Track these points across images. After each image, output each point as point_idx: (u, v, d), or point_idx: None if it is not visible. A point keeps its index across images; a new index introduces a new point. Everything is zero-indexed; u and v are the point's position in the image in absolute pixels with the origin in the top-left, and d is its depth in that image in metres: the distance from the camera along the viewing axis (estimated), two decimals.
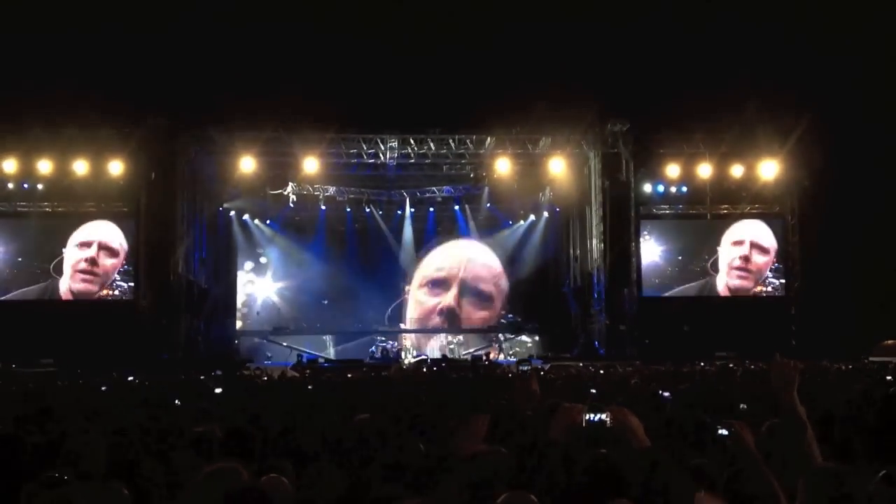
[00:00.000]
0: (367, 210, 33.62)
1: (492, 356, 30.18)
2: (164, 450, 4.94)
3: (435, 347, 32.98)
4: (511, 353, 32.24)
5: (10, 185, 26.90)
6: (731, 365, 19.38)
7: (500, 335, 33.46)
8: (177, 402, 9.07)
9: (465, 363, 25.82)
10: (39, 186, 26.99)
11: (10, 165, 26.29)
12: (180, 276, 27.57)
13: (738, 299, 28.59)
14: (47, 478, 3.88)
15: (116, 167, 26.58)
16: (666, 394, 9.00)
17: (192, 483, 3.39)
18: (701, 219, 28.98)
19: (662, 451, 3.78)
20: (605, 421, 3.48)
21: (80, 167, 26.46)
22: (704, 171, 27.98)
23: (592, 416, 3.52)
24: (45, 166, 26.33)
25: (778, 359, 4.20)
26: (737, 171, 28.18)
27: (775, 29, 26.73)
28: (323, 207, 32.68)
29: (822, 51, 25.81)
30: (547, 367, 21.18)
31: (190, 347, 27.80)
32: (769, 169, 28.06)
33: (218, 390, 11.03)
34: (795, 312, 28.41)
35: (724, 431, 3.68)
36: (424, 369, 21.04)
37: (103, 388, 12.42)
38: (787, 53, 25.74)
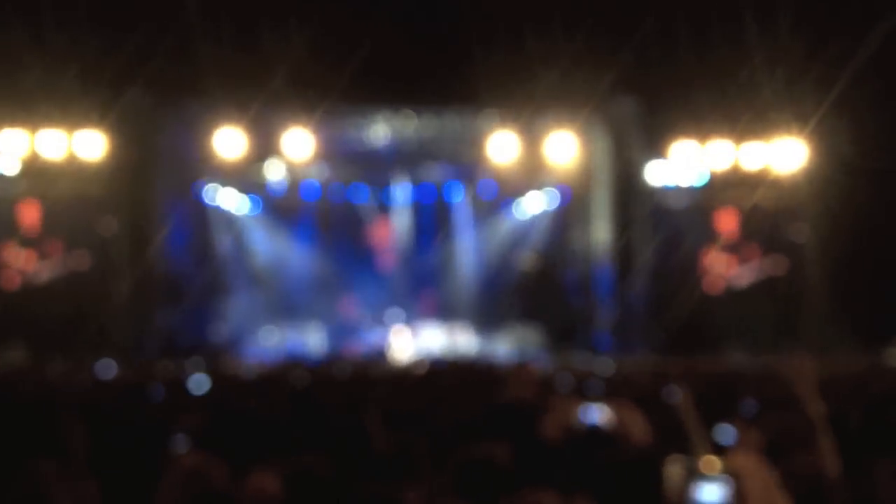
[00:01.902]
0: (359, 192, 33.46)
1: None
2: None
3: (431, 340, 32.96)
4: (508, 347, 32.22)
5: None
6: (742, 360, 19.52)
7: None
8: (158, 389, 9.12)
9: (465, 356, 25.90)
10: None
11: None
12: (160, 262, 27.57)
13: (749, 292, 28.63)
14: (26, 467, 3.93)
15: (93, 145, 26.51)
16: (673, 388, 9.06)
17: (164, 481, 3.42)
18: (714, 205, 28.96)
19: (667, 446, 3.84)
20: (603, 416, 3.51)
21: (54, 146, 26.37)
22: (718, 154, 27.94)
23: (590, 412, 3.54)
24: (18, 143, 26.23)
25: (794, 355, 4.25)
26: (753, 155, 28.13)
27: (795, 5, 26.63)
28: (312, 189, 32.56)
29: (843, 31, 25.72)
30: (548, 359, 21.26)
31: (169, 337, 27.83)
32: (788, 154, 28.01)
33: (196, 381, 11.08)
34: (812, 307, 28.45)
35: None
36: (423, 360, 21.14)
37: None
38: (808, 32, 25.64)
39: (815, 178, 28.54)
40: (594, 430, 3.50)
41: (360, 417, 4.71)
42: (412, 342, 32.11)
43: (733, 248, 29.06)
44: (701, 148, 28.03)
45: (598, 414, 3.41)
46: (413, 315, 34.03)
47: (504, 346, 32.04)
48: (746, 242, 29.06)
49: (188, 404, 7.59)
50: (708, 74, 26.33)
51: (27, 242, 27.33)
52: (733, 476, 1.98)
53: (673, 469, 2.01)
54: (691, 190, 29.06)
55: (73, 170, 26.98)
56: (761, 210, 29.10)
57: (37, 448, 4.75)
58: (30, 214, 27.26)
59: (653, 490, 2.96)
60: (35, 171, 27.00)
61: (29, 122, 26.19)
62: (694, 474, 1.98)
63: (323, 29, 26.29)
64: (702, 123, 28.11)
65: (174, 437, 4.55)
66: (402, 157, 31.59)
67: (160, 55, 25.58)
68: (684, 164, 28.30)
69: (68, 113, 26.31)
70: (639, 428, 3.35)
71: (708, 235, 29.03)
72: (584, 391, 8.80)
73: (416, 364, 20.84)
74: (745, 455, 1.98)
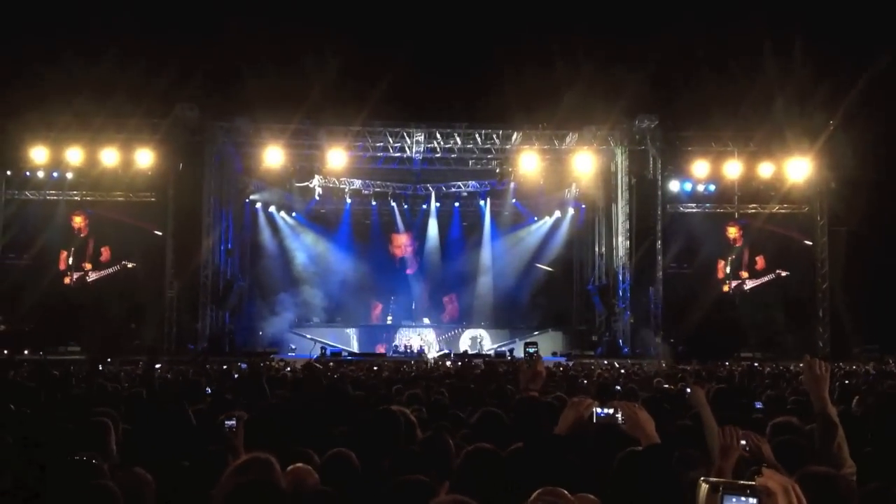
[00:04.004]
0: (392, 204, 33.67)
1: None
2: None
3: (461, 343, 32.92)
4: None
5: (40, 174, 27.21)
6: (755, 365, 19.24)
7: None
8: (208, 389, 9.14)
9: (488, 358, 25.76)
10: (69, 175, 27.31)
11: (41, 154, 26.55)
12: (207, 267, 27.78)
13: (764, 300, 28.34)
14: (77, 461, 3.91)
15: (145, 157, 26.81)
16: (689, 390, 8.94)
17: (225, 474, 3.39)
18: (728, 218, 28.73)
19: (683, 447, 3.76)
20: (615, 416, 3.43)
21: (109, 156, 26.69)
22: (733, 169, 27.79)
23: (601, 411, 3.47)
24: (74, 155, 26.60)
25: (808, 360, 4.16)
26: (766, 169, 27.92)
27: (806, 26, 26.40)
28: (348, 201, 32.80)
29: (852, 49, 25.48)
30: (570, 363, 21.09)
31: (215, 338, 28.06)
32: (798, 168, 27.76)
33: (241, 378, 11.09)
34: (823, 314, 28.15)
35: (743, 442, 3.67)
36: (448, 363, 21.06)
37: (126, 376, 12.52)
38: (816, 51, 25.44)
39: (824, 190, 28.29)
40: (608, 429, 3.44)
41: (391, 412, 4.66)
42: (439, 344, 32.14)
43: (747, 257, 28.81)
44: (716, 162, 27.87)
45: (611, 413, 3.35)
46: (440, 319, 34.13)
47: (525, 350, 31.77)
48: (759, 251, 28.79)
49: (234, 400, 7.59)
50: (722, 94, 26.22)
51: (82, 248, 27.66)
52: (763, 495, 1.93)
53: (703, 486, 1.96)
54: (706, 202, 28.89)
55: (125, 180, 27.28)
56: (773, 220, 28.86)
57: (89, 442, 4.76)
58: (84, 222, 27.55)
59: (663, 488, 2.90)
60: (89, 181, 27.33)
61: (84, 137, 26.50)
62: (724, 491, 1.94)
63: (361, 52, 26.50)
64: (717, 140, 27.97)
65: (223, 431, 4.53)
66: (432, 172, 31.77)
67: (206, 74, 25.89)
68: (700, 177, 28.15)
69: (121, 127, 26.62)
70: (650, 427, 3.28)
71: (723, 245, 28.81)
72: (602, 392, 8.73)
73: (443, 363, 20.80)
74: (775, 474, 1.89)
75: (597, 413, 3.46)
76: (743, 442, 3.73)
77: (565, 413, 3.52)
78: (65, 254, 27.52)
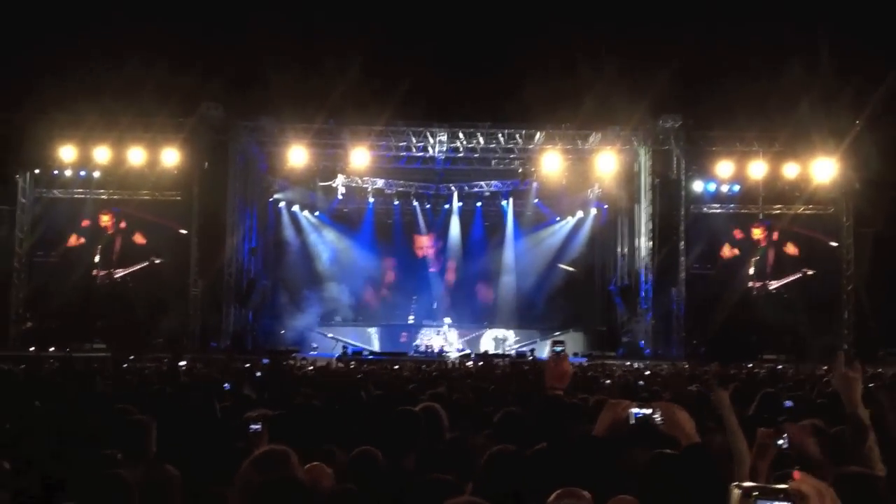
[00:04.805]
0: (415, 203, 33.71)
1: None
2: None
3: (482, 343, 32.88)
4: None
5: (68, 173, 27.46)
6: (779, 367, 19.08)
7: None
8: (225, 385, 9.17)
9: (509, 358, 25.68)
10: (96, 174, 27.53)
11: (68, 153, 26.79)
12: (231, 266, 27.92)
13: (788, 302, 28.08)
14: (101, 456, 3.93)
15: (170, 156, 27.00)
16: (713, 390, 8.84)
17: (243, 466, 3.39)
18: (753, 219, 28.47)
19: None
20: (653, 417, 3.38)
21: (135, 155, 26.90)
22: (757, 169, 27.54)
23: (639, 412, 3.42)
24: (101, 154, 26.81)
25: (841, 359, 4.09)
26: (791, 170, 27.63)
27: (832, 25, 26.12)
28: (371, 200, 32.87)
29: (878, 48, 25.19)
30: (586, 363, 21.00)
31: (238, 336, 28.21)
32: (824, 169, 27.45)
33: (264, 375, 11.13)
34: (849, 316, 27.84)
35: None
36: (469, 363, 21.03)
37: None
38: (842, 50, 25.17)
39: (849, 190, 27.97)
40: (646, 429, 3.38)
41: (414, 411, 4.64)
42: (462, 343, 32.12)
43: (772, 258, 28.56)
44: (740, 163, 27.65)
45: (648, 414, 3.29)
46: (462, 318, 34.10)
47: (547, 350, 31.81)
48: (784, 252, 28.53)
49: (258, 397, 7.62)
50: (747, 94, 25.99)
51: (109, 246, 27.88)
52: (797, 499, 1.88)
53: (735, 492, 1.92)
54: (730, 203, 28.66)
55: (151, 178, 27.48)
56: (798, 221, 28.59)
57: (115, 437, 4.78)
58: (111, 220, 27.75)
59: (705, 489, 2.85)
60: (116, 180, 27.54)
61: (111, 136, 26.69)
62: (757, 497, 1.89)
63: (384, 52, 26.52)
64: (741, 140, 27.75)
65: (246, 428, 4.53)
66: (454, 172, 31.80)
67: (230, 73, 26.02)
68: (724, 178, 27.94)
69: (147, 126, 26.79)
70: (690, 427, 3.23)
71: (747, 246, 28.57)
72: (625, 393, 8.67)
73: (465, 362, 20.75)
74: (808, 477, 1.84)
75: (634, 414, 3.41)
76: (781, 441, 3.67)
77: (602, 414, 3.48)
78: (95, 251, 27.77)
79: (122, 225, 27.77)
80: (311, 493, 3.34)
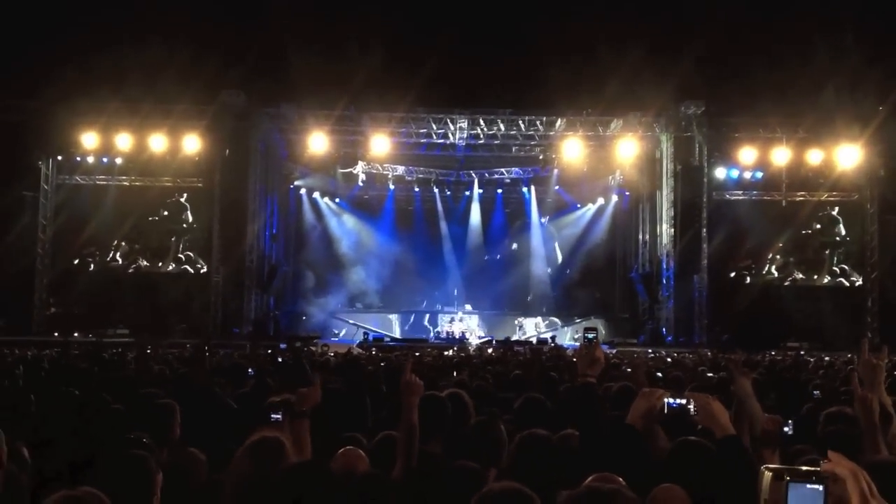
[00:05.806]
0: (436, 190, 33.67)
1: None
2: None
3: (504, 329, 32.86)
4: (576, 338, 31.92)
5: (90, 159, 27.64)
6: (802, 354, 18.95)
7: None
8: (249, 371, 9.22)
9: (530, 344, 25.67)
10: (118, 161, 27.69)
11: (91, 139, 26.96)
12: (252, 252, 28.05)
13: (812, 289, 27.88)
14: (126, 439, 3.96)
15: (192, 143, 27.10)
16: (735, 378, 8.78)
17: (236, 455, 3.38)
18: (776, 206, 28.23)
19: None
20: (688, 407, 3.36)
21: (157, 142, 27.03)
22: (781, 156, 27.27)
23: (673, 401, 3.40)
24: (123, 141, 26.95)
25: (866, 347, 4.06)
26: (814, 157, 27.35)
27: (856, 10, 25.75)
28: (392, 187, 32.84)
29: None
30: (613, 351, 20.95)
31: (259, 322, 28.38)
32: (848, 155, 27.14)
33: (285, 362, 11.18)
34: (872, 304, 27.61)
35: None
36: (490, 350, 21.03)
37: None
38: (866, 35, 24.82)
39: (874, 177, 27.67)
40: (682, 419, 3.37)
41: (440, 396, 4.64)
42: (484, 330, 32.15)
43: (794, 246, 28.35)
44: (763, 149, 27.39)
45: (683, 404, 3.27)
46: (484, 305, 34.10)
47: (570, 337, 31.91)
48: (808, 240, 28.31)
49: (280, 384, 7.64)
50: (771, 79, 25.70)
51: (131, 233, 28.09)
52: (830, 480, 1.86)
53: (766, 474, 1.90)
54: (753, 189, 28.43)
55: (173, 165, 27.63)
56: (822, 208, 28.35)
57: (137, 422, 4.82)
58: (133, 207, 27.93)
59: (742, 480, 2.82)
60: (138, 166, 27.70)
61: (132, 122, 26.82)
62: (790, 479, 1.88)
63: (405, 38, 26.45)
64: (765, 126, 27.48)
65: (267, 415, 4.55)
66: (475, 159, 31.73)
67: (251, 60, 26.02)
68: (747, 164, 27.70)
69: (168, 113, 26.88)
70: (725, 418, 3.21)
71: (770, 234, 28.36)
72: (653, 381, 8.63)
73: (486, 349, 20.79)
74: (843, 458, 1.80)
75: (668, 404, 3.39)
76: (786, 429, 3.67)
77: (636, 403, 3.45)
78: (117, 239, 28.02)
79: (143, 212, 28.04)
80: (340, 480, 3.35)
